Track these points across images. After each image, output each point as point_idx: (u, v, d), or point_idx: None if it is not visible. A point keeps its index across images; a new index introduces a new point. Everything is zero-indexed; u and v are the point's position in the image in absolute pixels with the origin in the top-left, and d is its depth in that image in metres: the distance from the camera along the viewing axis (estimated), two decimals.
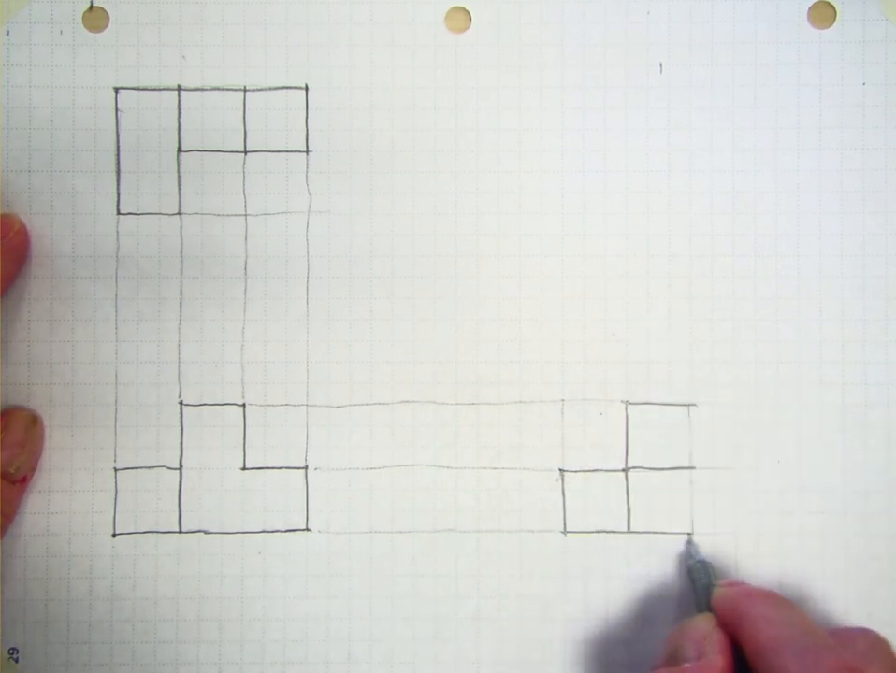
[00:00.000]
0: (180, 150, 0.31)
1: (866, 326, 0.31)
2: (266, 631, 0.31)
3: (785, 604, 0.27)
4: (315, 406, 0.31)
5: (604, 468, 0.31)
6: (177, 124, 0.31)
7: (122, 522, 0.31)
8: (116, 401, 0.31)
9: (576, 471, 0.31)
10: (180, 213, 0.31)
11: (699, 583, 0.30)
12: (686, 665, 0.27)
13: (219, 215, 0.31)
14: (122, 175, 0.31)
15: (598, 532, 0.31)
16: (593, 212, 0.31)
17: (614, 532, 0.31)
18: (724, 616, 0.28)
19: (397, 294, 0.32)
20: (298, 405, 0.31)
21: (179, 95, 0.31)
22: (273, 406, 0.31)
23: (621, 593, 0.31)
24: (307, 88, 0.32)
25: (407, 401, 0.31)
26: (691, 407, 0.31)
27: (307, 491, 0.31)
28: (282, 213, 0.32)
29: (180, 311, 0.31)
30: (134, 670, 0.31)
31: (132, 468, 0.31)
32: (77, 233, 0.31)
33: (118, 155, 0.31)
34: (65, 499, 0.31)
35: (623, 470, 0.31)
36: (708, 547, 0.31)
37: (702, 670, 0.26)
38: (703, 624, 0.28)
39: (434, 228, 0.32)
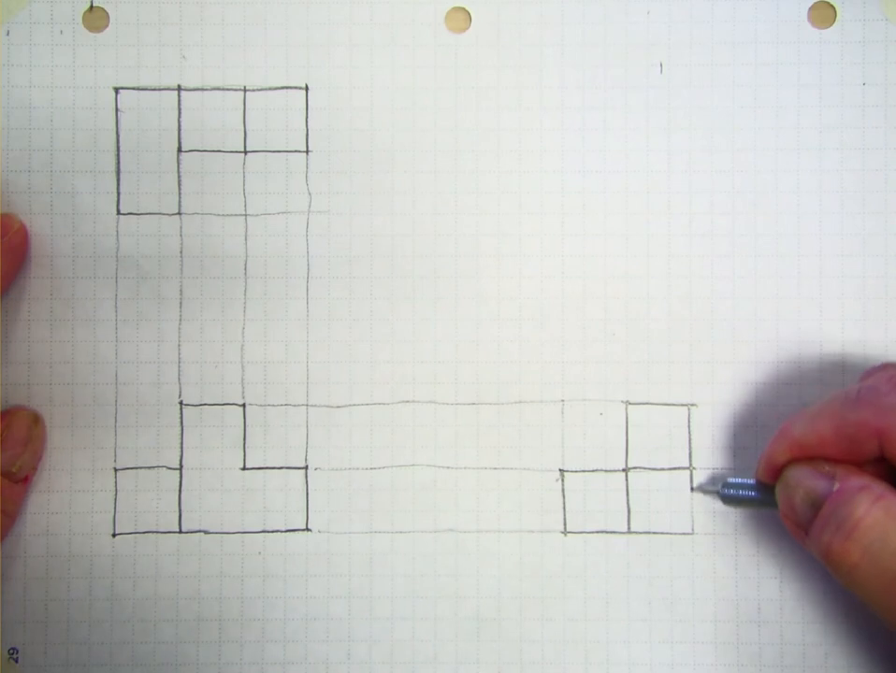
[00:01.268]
0: (180, 150, 0.31)
1: (866, 326, 0.31)
2: (266, 631, 0.31)
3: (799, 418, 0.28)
4: (315, 406, 0.31)
5: (604, 468, 0.31)
6: (177, 124, 0.31)
7: (122, 522, 0.31)
8: (116, 401, 0.31)
9: (576, 471, 0.31)
10: (180, 213, 0.31)
11: (745, 494, 0.30)
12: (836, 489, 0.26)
13: (219, 215, 0.31)
14: (122, 175, 0.31)
15: (598, 532, 0.31)
16: (593, 212, 0.31)
17: (614, 532, 0.31)
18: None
19: (397, 294, 0.32)
20: (298, 405, 0.31)
21: (179, 95, 0.31)
22: (273, 406, 0.31)
23: (621, 593, 0.31)
24: (307, 88, 0.32)
25: (407, 401, 0.31)
26: (691, 407, 0.31)
27: (307, 491, 0.31)
28: (282, 213, 0.32)
29: (180, 311, 0.31)
30: (134, 670, 0.31)
31: (132, 468, 0.31)
32: (77, 233, 0.31)
33: (118, 155, 0.31)
34: (65, 499, 0.31)
35: (623, 470, 0.31)
36: (708, 546, 0.31)
37: (851, 487, 0.26)
38: (805, 469, 0.27)
39: (434, 228, 0.32)
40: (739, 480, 0.30)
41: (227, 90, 0.32)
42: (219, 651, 0.31)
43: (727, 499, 0.30)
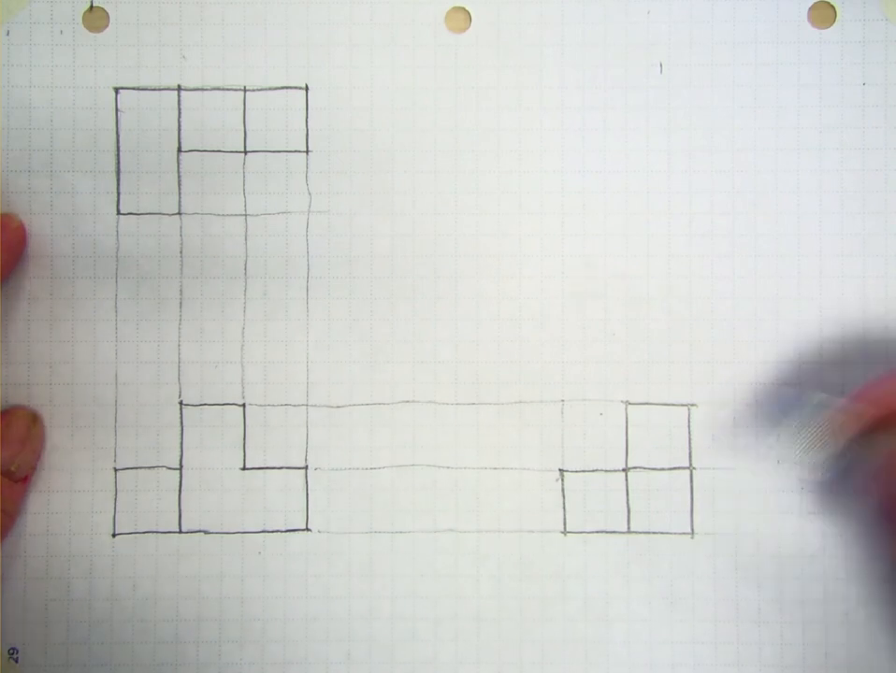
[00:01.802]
0: (180, 150, 0.31)
1: (866, 326, 0.31)
2: (266, 631, 0.31)
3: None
4: (315, 406, 0.31)
5: (604, 468, 0.31)
6: (177, 124, 0.31)
7: (122, 522, 0.31)
8: (116, 401, 0.31)
9: (576, 471, 0.31)
10: (180, 213, 0.31)
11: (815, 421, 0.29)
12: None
13: (219, 215, 0.31)
14: (122, 175, 0.31)
15: (598, 532, 0.31)
16: (593, 212, 0.31)
17: (614, 532, 0.31)
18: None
19: (397, 294, 0.32)
20: (298, 405, 0.31)
21: (179, 95, 0.31)
22: (273, 406, 0.31)
23: (621, 593, 0.31)
24: (307, 88, 0.32)
25: (407, 401, 0.31)
26: (691, 407, 0.31)
27: (307, 491, 0.31)
28: (282, 213, 0.32)
29: (180, 311, 0.31)
30: (133, 670, 0.31)
31: (132, 468, 0.31)
32: (77, 233, 0.31)
33: (118, 155, 0.31)
34: (65, 499, 0.31)
35: (623, 470, 0.31)
36: (708, 545, 0.31)
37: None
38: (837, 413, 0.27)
39: (434, 228, 0.32)
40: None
41: (227, 90, 0.32)
42: (219, 651, 0.31)
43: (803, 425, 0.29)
